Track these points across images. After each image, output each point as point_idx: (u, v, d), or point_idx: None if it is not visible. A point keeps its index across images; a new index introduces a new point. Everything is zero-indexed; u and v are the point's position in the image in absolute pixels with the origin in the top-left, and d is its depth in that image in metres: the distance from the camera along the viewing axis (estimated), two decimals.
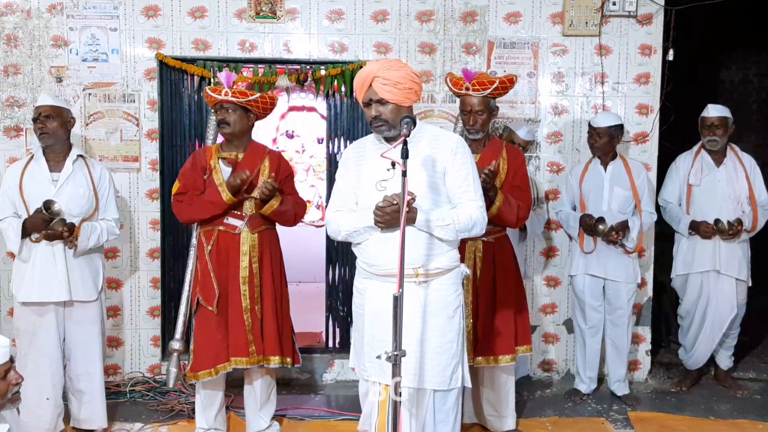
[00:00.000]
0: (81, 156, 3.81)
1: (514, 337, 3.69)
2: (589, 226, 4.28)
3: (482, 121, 3.60)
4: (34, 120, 3.72)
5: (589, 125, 4.39)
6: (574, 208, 4.49)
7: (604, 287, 4.42)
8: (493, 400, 3.82)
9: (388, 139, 2.85)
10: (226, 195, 3.55)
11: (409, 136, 2.54)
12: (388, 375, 2.55)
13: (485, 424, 3.90)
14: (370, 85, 2.78)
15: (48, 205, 3.56)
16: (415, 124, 2.67)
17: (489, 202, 3.46)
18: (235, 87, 3.62)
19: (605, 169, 4.40)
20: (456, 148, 2.85)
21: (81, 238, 3.64)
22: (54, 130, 3.70)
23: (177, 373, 3.80)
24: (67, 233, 3.59)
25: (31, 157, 3.77)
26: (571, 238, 4.55)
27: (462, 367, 2.89)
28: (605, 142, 4.33)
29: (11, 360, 2.39)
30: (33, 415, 3.57)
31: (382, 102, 2.78)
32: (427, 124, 3.02)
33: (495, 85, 3.54)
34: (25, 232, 3.62)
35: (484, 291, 3.65)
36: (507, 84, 3.60)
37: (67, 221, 3.61)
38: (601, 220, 4.25)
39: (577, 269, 4.43)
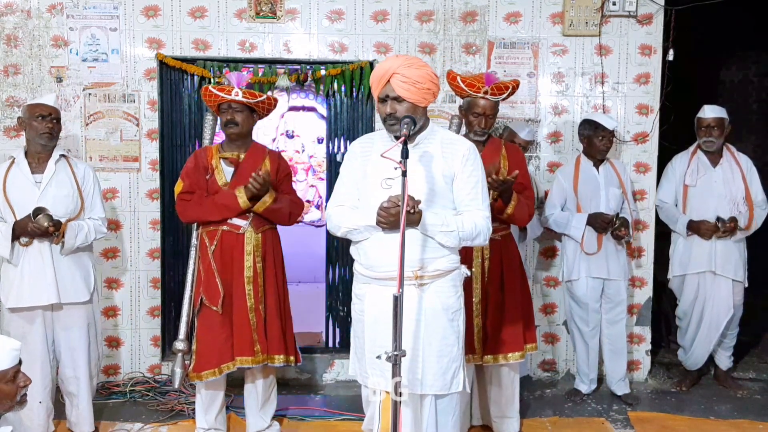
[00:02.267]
0: (63, 156, 3.76)
1: (523, 334, 3.70)
2: (607, 221, 4.26)
3: (491, 123, 3.66)
4: (41, 117, 3.62)
5: (598, 127, 4.31)
6: (563, 210, 4.46)
7: (602, 287, 4.42)
8: (499, 399, 3.80)
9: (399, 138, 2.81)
10: (243, 200, 3.54)
11: (408, 136, 2.53)
12: (389, 380, 2.51)
13: (491, 425, 3.88)
14: (389, 81, 2.71)
15: (38, 212, 3.50)
16: (415, 124, 2.66)
17: (503, 204, 3.54)
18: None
19: (598, 170, 4.40)
20: (468, 155, 2.81)
21: (68, 236, 3.58)
22: (58, 132, 3.72)
23: (182, 373, 3.78)
24: (53, 228, 3.51)
25: (12, 161, 3.69)
26: (561, 240, 4.55)
27: (462, 371, 2.86)
28: (611, 143, 4.38)
29: (20, 363, 2.38)
30: (25, 417, 3.56)
31: (398, 100, 2.71)
32: (441, 127, 2.99)
33: (510, 90, 3.61)
34: (14, 235, 3.56)
35: (493, 289, 3.66)
36: (515, 89, 3.68)
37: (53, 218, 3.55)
38: (617, 215, 4.32)
39: (579, 273, 4.39)
